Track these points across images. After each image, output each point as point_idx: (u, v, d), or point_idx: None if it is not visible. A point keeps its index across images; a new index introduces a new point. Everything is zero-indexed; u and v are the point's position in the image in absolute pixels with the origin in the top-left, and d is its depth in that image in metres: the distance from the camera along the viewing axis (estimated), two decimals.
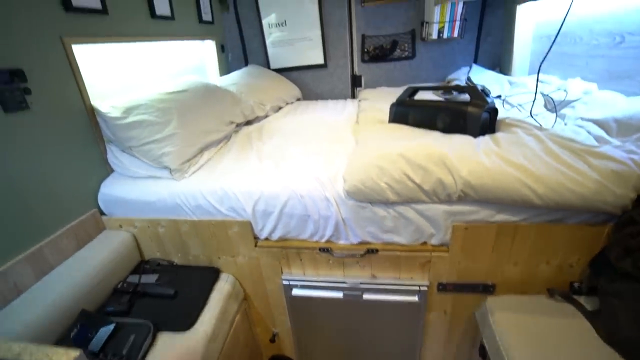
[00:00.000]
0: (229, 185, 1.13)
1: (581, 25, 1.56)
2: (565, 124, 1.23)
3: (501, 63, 2.23)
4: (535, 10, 1.89)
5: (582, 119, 1.18)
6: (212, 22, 2.25)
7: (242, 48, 2.55)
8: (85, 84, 1.24)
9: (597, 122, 1.10)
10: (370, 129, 1.38)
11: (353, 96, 2.55)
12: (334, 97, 2.53)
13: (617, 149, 0.93)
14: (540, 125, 1.16)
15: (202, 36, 2.16)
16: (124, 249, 1.24)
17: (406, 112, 1.39)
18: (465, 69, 2.18)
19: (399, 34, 2.31)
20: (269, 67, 2.56)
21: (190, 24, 2.02)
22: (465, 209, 0.99)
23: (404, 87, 2.34)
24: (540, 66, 1.26)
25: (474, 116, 1.15)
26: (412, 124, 1.35)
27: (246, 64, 2.58)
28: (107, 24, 1.35)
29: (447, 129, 1.24)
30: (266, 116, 1.99)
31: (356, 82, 2.50)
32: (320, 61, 2.49)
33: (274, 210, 1.10)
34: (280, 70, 2.55)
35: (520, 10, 1.91)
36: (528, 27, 1.94)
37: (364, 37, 2.36)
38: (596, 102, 1.26)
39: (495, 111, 1.21)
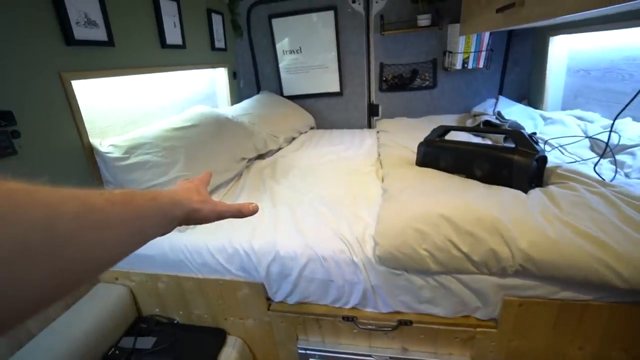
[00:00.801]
0: (240, 242, 0.99)
1: (628, 60, 1.42)
2: (627, 176, 1.07)
3: (529, 95, 2.10)
4: (569, 42, 1.77)
5: None
6: (224, 49, 2.18)
7: (254, 75, 2.47)
8: (85, 120, 1.13)
9: None
10: (397, 172, 1.23)
11: (369, 125, 2.42)
12: (349, 126, 2.41)
13: None
14: (603, 179, 1.00)
15: (214, 64, 2.08)
16: (119, 304, 1.09)
17: (437, 155, 1.24)
18: (491, 101, 2.05)
19: (420, 62, 2.21)
20: (282, 94, 2.47)
21: (203, 51, 1.94)
22: (523, 284, 0.82)
23: (424, 118, 2.25)
24: (621, 110, 1.11)
25: (522, 166, 1.00)
26: (444, 169, 1.21)
27: (258, 90, 2.49)
28: (113, 57, 1.25)
29: (487, 178, 1.09)
30: (279, 149, 1.87)
31: (373, 111, 2.39)
32: (336, 89, 2.39)
33: (291, 273, 0.95)
34: (293, 98, 2.45)
35: (554, 41, 1.79)
36: (561, 59, 1.82)
37: (382, 66, 2.26)
38: None
39: (544, 160, 1.06)
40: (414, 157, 1.33)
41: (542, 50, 1.87)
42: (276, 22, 2.30)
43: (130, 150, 1.12)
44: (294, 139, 2.08)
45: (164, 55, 1.57)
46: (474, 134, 1.65)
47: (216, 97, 2.25)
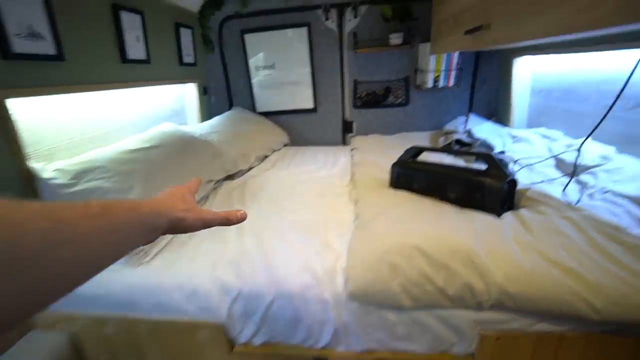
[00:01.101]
0: (200, 279, 0.90)
1: (587, 83, 1.48)
2: (591, 197, 1.08)
3: (497, 113, 2.15)
4: (532, 64, 1.83)
5: (612, 193, 1.03)
6: (194, 64, 2.10)
7: (226, 90, 2.40)
8: (29, 142, 1.01)
9: (635, 200, 0.95)
10: (369, 196, 1.19)
11: (344, 142, 2.40)
12: (323, 142, 2.38)
13: None
14: (570, 202, 1.00)
15: (182, 79, 1.99)
16: (57, 356, 0.95)
17: (410, 176, 1.22)
18: (462, 119, 2.08)
19: (393, 80, 2.22)
20: (254, 111, 2.40)
21: (170, 67, 1.85)
22: (499, 317, 0.79)
23: (398, 135, 2.25)
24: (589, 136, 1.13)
25: (494, 190, 0.99)
26: (418, 191, 1.18)
27: (231, 107, 2.41)
28: (63, 72, 1.15)
29: (460, 201, 1.07)
30: (250, 168, 1.79)
31: (347, 128, 2.37)
32: (310, 105, 2.36)
33: (256, 312, 0.87)
34: (267, 114, 2.39)
35: (518, 62, 1.85)
36: (525, 79, 1.88)
37: (356, 83, 2.26)
38: (622, 171, 1.12)
39: (514, 182, 1.05)
40: (387, 177, 1.30)
41: (507, 70, 1.93)
42: (249, 38, 2.26)
43: (79, 175, 1.01)
44: (266, 157, 2.01)
45: (125, 71, 1.47)
46: (446, 154, 1.65)
47: (185, 113, 2.16)
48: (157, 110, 1.78)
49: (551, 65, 1.69)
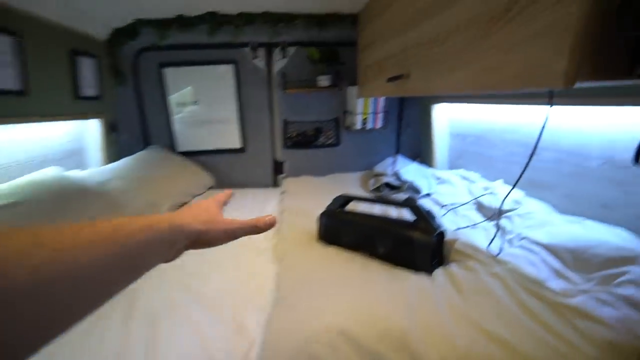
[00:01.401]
0: None
1: (493, 132, 1.60)
2: (510, 243, 1.10)
3: (422, 154, 2.26)
4: (449, 111, 1.97)
5: (528, 239, 1.06)
6: (96, 98, 1.81)
7: (142, 128, 2.13)
8: None
9: (548, 249, 0.98)
10: (295, 253, 1.06)
11: (275, 183, 2.27)
12: (253, 184, 2.22)
13: (592, 299, 0.77)
14: (494, 253, 0.99)
15: (79, 115, 1.69)
16: None
17: (338, 228, 1.12)
18: (390, 160, 2.13)
19: (323, 120, 2.21)
20: (175, 150, 2.16)
21: (61, 100, 1.55)
22: None
23: (330, 176, 2.19)
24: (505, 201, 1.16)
25: (423, 245, 0.93)
26: (347, 246, 1.09)
27: (146, 146, 2.13)
28: None
29: (390, 257, 1.00)
30: None
31: (278, 168, 2.26)
32: (238, 145, 2.20)
33: None
34: (189, 154, 2.17)
35: (435, 108, 1.97)
36: (444, 124, 2.01)
37: (286, 122, 2.19)
38: (533, 216, 1.18)
39: (443, 234, 1.02)
40: (315, 227, 1.19)
41: (427, 115, 2.05)
42: (170, 72, 2.07)
43: None
44: (184, 203, 1.77)
45: None
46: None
47: (86, 154, 1.83)
48: (40, 154, 1.45)
49: (465, 113, 1.83)
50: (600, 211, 1.09)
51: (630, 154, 1.01)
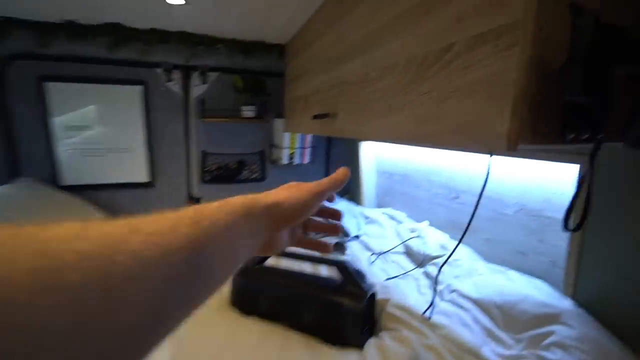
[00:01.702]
0: None
1: (419, 172, 1.62)
2: (441, 296, 1.04)
3: (350, 190, 2.22)
4: (375, 149, 1.98)
5: (457, 292, 1.01)
6: None
7: (6, 155, 1.66)
8: None
9: (477, 304, 0.94)
10: (199, 331, 0.82)
11: None
12: None
13: None
14: (427, 317, 0.90)
15: None
16: None
17: (255, 291, 0.93)
18: None
19: (247, 153, 2.03)
20: (56, 183, 1.73)
21: None
22: None
23: None
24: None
25: (352, 312, 0.80)
26: (265, 315, 0.90)
27: (13, 178, 1.66)
28: None
29: (316, 328, 0.84)
30: None
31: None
32: (145, 178, 1.87)
33: None
34: (78, 188, 1.75)
35: (362, 146, 1.96)
36: (370, 161, 2.00)
37: (205, 154, 1.95)
38: (460, 265, 1.16)
39: (374, 295, 0.90)
40: (228, 286, 0.98)
41: (354, 152, 2.02)
42: (55, 87, 1.68)
43: None
44: None
45: None
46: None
47: None
48: None
49: (391, 151, 1.84)
50: (518, 257, 1.11)
51: (541, 205, 1.06)
